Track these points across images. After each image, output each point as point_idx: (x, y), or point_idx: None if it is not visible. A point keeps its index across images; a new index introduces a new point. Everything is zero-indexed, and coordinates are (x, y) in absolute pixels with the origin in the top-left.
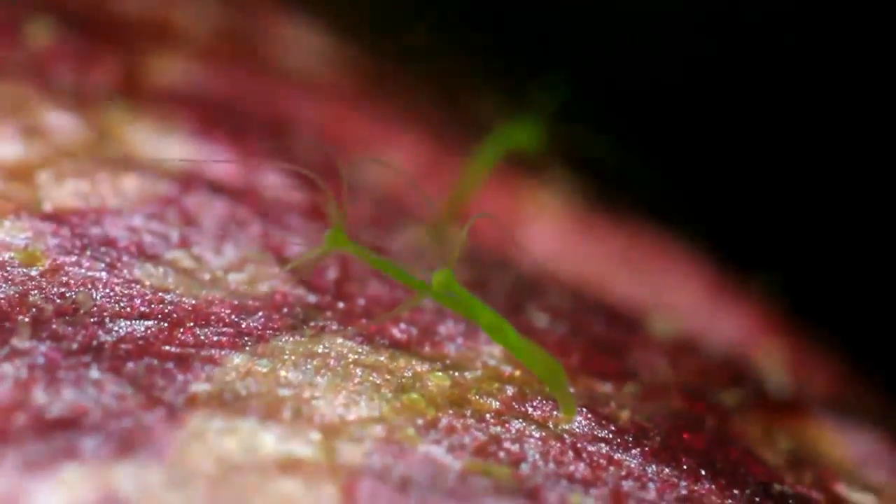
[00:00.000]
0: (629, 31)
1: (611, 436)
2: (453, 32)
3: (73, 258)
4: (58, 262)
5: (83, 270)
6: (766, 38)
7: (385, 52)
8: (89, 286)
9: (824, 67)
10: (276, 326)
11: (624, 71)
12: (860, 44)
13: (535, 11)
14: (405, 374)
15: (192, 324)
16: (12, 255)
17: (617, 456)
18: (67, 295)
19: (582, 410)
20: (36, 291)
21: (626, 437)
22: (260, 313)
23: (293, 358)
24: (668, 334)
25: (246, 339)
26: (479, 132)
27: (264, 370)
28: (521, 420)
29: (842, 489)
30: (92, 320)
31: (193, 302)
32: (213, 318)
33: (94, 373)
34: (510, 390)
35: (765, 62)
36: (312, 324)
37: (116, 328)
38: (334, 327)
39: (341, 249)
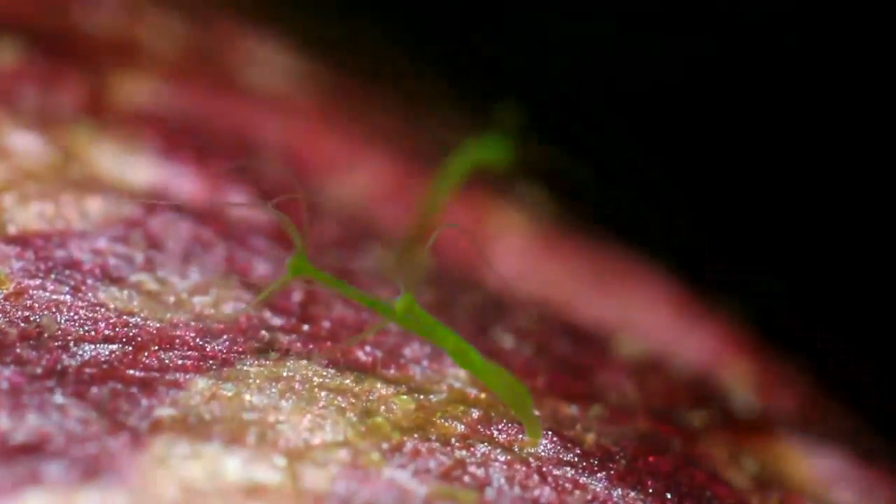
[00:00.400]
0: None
1: (576, 459)
2: (421, 47)
3: (38, 281)
4: (22, 285)
5: (47, 294)
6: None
7: (351, 70)
8: (54, 310)
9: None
10: (240, 350)
11: (594, 87)
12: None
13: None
14: (370, 398)
15: (156, 347)
16: None
17: (582, 479)
18: (32, 318)
19: (547, 434)
20: (0, 315)
21: (591, 461)
22: (225, 336)
23: (258, 381)
24: (634, 355)
25: (210, 362)
26: (447, 150)
27: (229, 394)
28: (486, 444)
29: None
30: (56, 344)
31: (158, 325)
32: (177, 341)
33: (59, 397)
34: (475, 413)
35: (746, 75)
36: (277, 347)
37: (81, 352)
38: (299, 350)
39: (304, 276)
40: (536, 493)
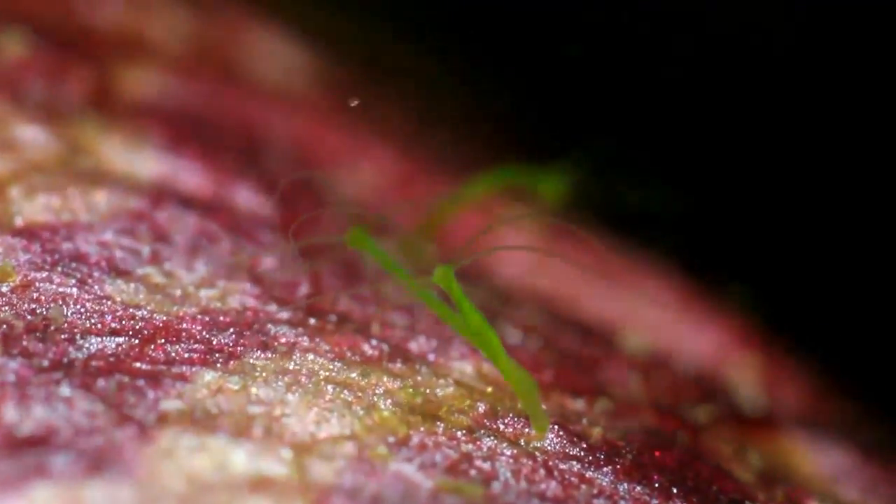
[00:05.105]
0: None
1: (582, 453)
2: (431, 43)
3: (45, 274)
4: (29, 277)
5: (54, 286)
6: (743, 52)
7: (358, 65)
8: (60, 302)
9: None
10: (247, 343)
11: (597, 83)
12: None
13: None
14: (376, 391)
15: (163, 340)
16: None
17: (588, 474)
18: (38, 311)
19: (554, 428)
20: (7, 307)
21: (597, 455)
22: (231, 330)
23: (264, 375)
24: (640, 350)
25: (217, 355)
26: (451, 148)
27: (235, 387)
28: (492, 437)
29: None
30: (63, 337)
31: (164, 318)
32: (184, 334)
33: (65, 390)
34: (482, 407)
35: (739, 77)
36: (284, 340)
37: (87, 345)
38: (305, 344)
39: (360, 248)
40: (543, 487)
